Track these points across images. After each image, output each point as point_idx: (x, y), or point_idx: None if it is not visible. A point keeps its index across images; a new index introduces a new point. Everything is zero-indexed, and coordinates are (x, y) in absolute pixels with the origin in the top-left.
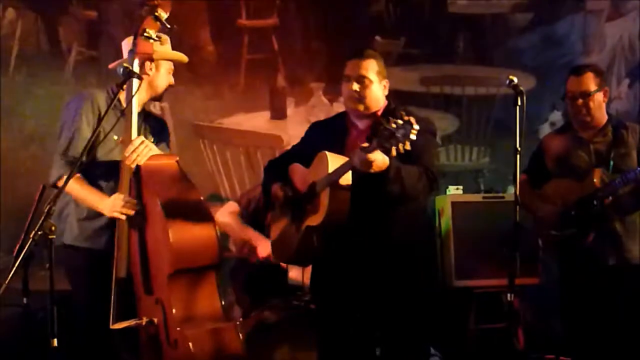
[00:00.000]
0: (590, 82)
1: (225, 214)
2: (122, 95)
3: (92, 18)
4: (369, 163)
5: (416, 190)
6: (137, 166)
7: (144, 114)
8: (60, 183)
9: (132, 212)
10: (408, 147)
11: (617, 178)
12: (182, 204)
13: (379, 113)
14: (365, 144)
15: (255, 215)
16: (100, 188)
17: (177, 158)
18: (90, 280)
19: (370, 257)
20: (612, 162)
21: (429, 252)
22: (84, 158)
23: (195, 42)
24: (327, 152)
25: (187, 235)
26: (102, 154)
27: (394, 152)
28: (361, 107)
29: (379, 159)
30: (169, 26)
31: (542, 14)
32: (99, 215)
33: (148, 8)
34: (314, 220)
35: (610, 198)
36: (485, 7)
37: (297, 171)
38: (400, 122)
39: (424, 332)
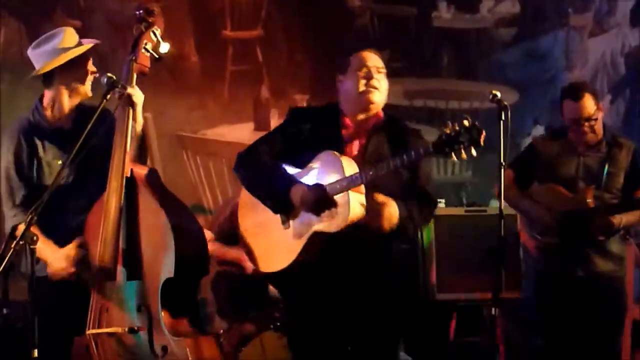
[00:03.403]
0: (591, 104)
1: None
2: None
3: (76, 27)
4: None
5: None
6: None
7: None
8: (19, 232)
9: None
10: (474, 153)
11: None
12: (179, 212)
13: (381, 115)
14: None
15: (231, 234)
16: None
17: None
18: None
19: (356, 267)
20: (605, 180)
21: (410, 263)
22: (37, 212)
23: (179, 53)
24: (336, 153)
25: (188, 244)
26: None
27: (453, 157)
28: (380, 104)
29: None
30: (164, 44)
31: (526, 29)
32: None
33: (146, 24)
34: (328, 226)
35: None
36: (470, 22)
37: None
38: (466, 123)
39: (396, 345)
